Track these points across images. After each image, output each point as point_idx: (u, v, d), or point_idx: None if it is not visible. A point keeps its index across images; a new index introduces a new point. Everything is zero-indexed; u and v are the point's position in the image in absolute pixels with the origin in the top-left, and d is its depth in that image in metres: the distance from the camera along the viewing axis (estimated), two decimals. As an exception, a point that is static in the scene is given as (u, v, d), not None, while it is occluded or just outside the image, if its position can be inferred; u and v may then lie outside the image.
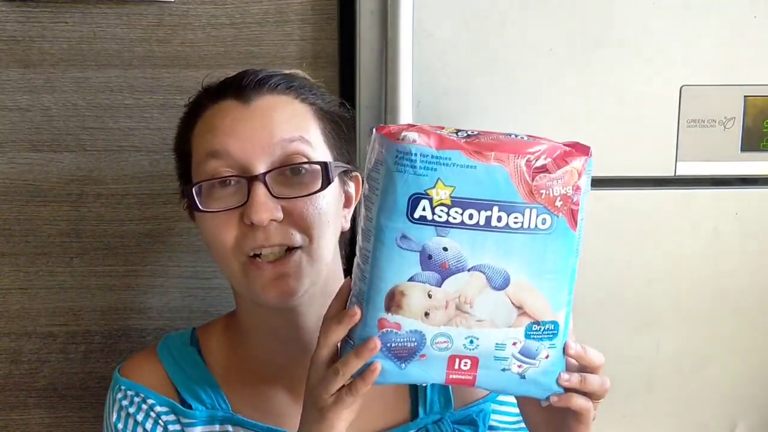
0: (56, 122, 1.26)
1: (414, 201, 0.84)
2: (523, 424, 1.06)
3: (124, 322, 1.31)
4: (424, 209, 0.84)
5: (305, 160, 1.00)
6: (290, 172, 0.99)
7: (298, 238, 0.99)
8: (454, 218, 0.84)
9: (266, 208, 0.97)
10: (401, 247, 0.85)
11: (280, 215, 0.98)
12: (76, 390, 1.33)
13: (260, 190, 0.97)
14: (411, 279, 0.86)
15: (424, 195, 0.84)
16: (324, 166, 1.00)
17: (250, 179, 0.97)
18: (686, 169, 1.30)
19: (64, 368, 1.32)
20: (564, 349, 0.90)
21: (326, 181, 1.00)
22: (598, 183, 1.28)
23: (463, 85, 1.25)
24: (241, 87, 1.02)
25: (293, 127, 1.01)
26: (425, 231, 0.84)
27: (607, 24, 1.25)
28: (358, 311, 0.87)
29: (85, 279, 1.30)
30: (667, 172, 1.30)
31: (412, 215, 0.84)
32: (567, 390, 0.91)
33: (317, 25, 1.25)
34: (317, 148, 1.02)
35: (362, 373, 0.87)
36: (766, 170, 1.31)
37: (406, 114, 1.21)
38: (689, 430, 1.39)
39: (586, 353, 0.91)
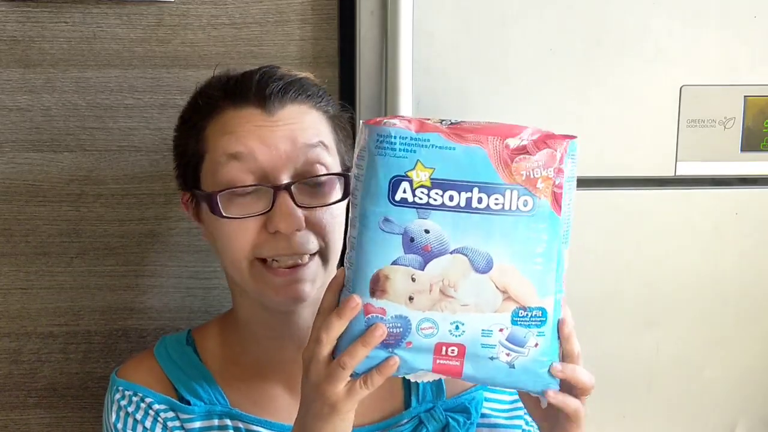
0: (56, 122, 1.26)
1: (395, 183, 0.85)
2: (514, 412, 1.09)
3: (124, 322, 1.31)
4: (404, 191, 0.85)
5: (324, 167, 1.02)
6: (311, 181, 1.01)
7: (315, 244, 1.01)
8: (435, 200, 0.85)
9: (294, 217, 0.98)
10: (384, 231, 0.86)
11: (303, 224, 0.99)
12: (75, 390, 1.33)
13: (287, 200, 0.98)
14: (394, 262, 0.86)
15: (405, 177, 0.85)
16: (345, 177, 1.02)
17: (276, 188, 0.99)
18: (686, 169, 1.30)
19: (63, 368, 1.32)
20: (559, 325, 0.89)
21: (346, 192, 1.02)
22: (598, 183, 1.29)
23: (463, 85, 1.25)
24: (264, 97, 1.02)
25: (314, 133, 1.02)
26: (407, 213, 0.85)
27: (607, 24, 1.25)
28: (358, 300, 0.86)
29: (85, 279, 1.30)
30: (667, 172, 1.30)
31: (393, 198, 0.85)
32: (561, 383, 0.91)
33: (317, 25, 1.25)
34: (333, 152, 1.05)
35: (379, 365, 0.87)
36: (766, 170, 1.31)
37: (406, 114, 1.21)
38: (689, 430, 1.39)
39: (573, 339, 0.92)
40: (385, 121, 0.87)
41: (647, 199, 1.31)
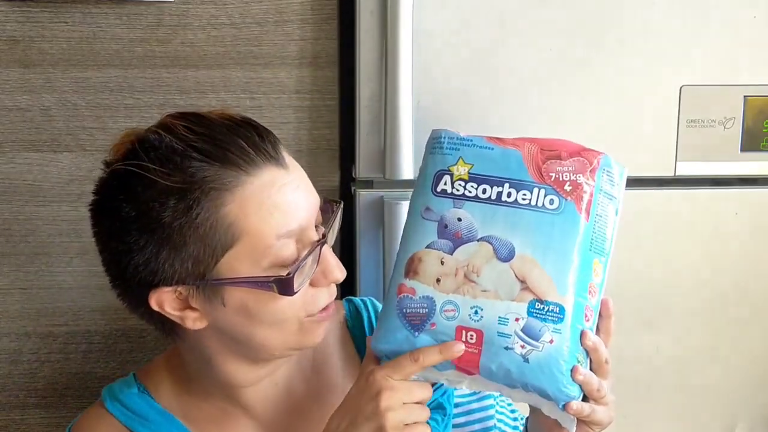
0: (56, 122, 1.26)
1: (438, 176, 0.96)
2: (483, 393, 1.09)
3: (124, 322, 1.31)
4: (445, 183, 0.95)
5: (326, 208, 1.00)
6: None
7: None
8: (470, 192, 0.94)
9: (341, 265, 0.97)
10: (424, 218, 0.95)
11: None
12: (75, 390, 1.33)
13: (330, 250, 0.97)
14: (428, 246, 0.94)
15: (447, 171, 0.96)
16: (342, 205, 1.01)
17: (322, 243, 0.94)
18: (686, 169, 1.30)
19: (63, 368, 1.32)
20: (581, 337, 0.91)
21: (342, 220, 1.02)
22: (598, 183, 1.28)
23: (462, 85, 1.25)
24: (276, 152, 0.93)
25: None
26: (444, 203, 0.95)
27: (607, 24, 1.25)
28: (462, 347, 0.91)
29: (85, 279, 1.30)
30: (667, 172, 1.30)
31: (435, 189, 0.95)
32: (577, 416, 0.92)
33: (317, 25, 1.25)
34: None
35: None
36: (766, 170, 1.31)
37: (405, 114, 1.21)
38: (689, 430, 1.39)
39: (600, 348, 0.92)
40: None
41: (647, 199, 1.31)
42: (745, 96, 1.28)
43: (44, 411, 1.33)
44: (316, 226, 0.96)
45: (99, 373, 1.32)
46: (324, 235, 0.96)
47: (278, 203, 0.91)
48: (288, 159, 0.95)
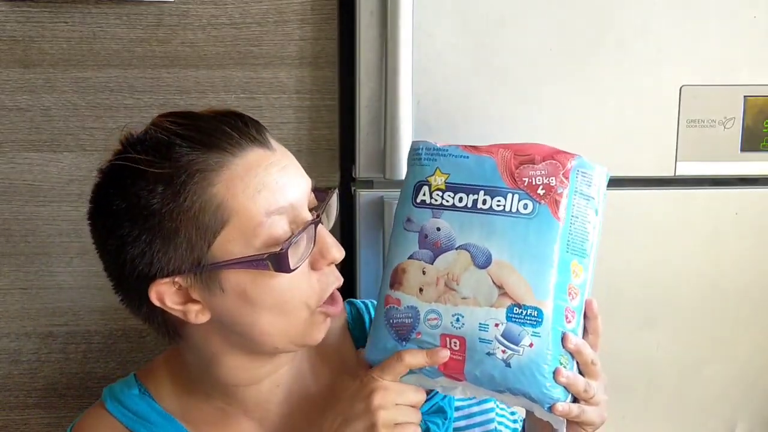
0: (56, 122, 1.26)
1: (417, 187, 0.97)
2: (482, 399, 1.10)
3: (124, 322, 1.31)
4: (424, 194, 0.97)
5: (317, 189, 0.99)
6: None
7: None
8: (447, 201, 0.95)
9: (338, 243, 0.96)
10: (406, 229, 0.97)
11: None
12: (75, 390, 1.33)
13: (325, 229, 0.96)
14: (410, 257, 0.96)
15: (425, 182, 0.97)
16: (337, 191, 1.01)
17: (316, 223, 0.94)
18: (686, 169, 1.30)
19: (63, 368, 1.32)
20: (563, 340, 0.91)
21: (341, 205, 1.02)
22: (598, 183, 1.28)
23: (462, 86, 1.25)
24: (259, 134, 0.94)
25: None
26: (424, 213, 0.96)
27: (607, 24, 1.25)
28: (447, 353, 0.92)
29: (85, 279, 1.30)
30: (667, 172, 1.30)
31: (415, 200, 0.97)
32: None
33: (317, 25, 1.25)
34: None
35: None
36: (766, 170, 1.31)
37: (405, 114, 1.21)
38: (689, 430, 1.39)
39: (584, 350, 0.93)
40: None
41: (647, 199, 1.31)
42: (745, 96, 1.28)
43: (44, 411, 1.33)
44: (310, 209, 0.96)
45: (99, 373, 1.32)
46: (318, 215, 0.95)
47: (265, 181, 0.91)
48: (275, 143, 0.95)
